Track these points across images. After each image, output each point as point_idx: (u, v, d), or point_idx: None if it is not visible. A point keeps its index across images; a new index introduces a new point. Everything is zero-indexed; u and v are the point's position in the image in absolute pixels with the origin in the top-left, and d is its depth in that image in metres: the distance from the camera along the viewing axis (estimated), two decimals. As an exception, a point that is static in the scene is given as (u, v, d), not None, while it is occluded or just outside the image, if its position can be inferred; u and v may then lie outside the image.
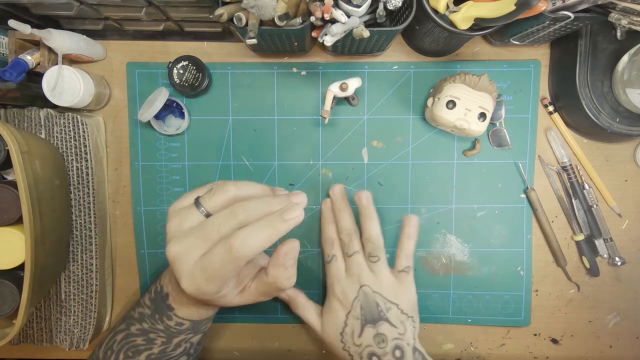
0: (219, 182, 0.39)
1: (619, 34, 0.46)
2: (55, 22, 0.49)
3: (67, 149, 0.48)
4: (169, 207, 0.39)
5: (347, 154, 0.52)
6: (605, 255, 0.52)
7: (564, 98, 0.50)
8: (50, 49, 0.47)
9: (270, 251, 0.40)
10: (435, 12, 0.40)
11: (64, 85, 0.47)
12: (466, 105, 0.45)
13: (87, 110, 0.52)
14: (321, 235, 0.49)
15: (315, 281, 0.53)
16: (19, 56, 0.46)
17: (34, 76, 0.48)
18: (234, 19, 0.37)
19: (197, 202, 0.37)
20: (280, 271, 0.38)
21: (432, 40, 0.46)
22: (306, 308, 0.48)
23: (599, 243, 0.52)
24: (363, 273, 0.45)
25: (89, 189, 0.49)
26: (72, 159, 0.49)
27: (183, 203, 0.39)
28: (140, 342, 0.43)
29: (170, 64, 0.49)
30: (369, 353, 0.43)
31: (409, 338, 0.44)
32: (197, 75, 0.49)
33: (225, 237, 0.34)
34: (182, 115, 0.51)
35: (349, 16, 0.38)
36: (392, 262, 0.48)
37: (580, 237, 0.52)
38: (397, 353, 0.42)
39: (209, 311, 0.45)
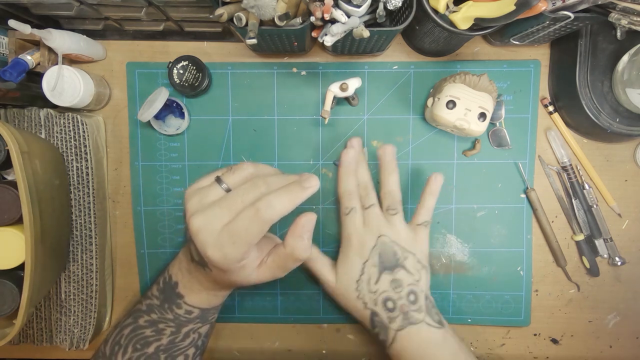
0: (236, 164, 0.41)
1: (619, 34, 0.46)
2: (55, 22, 0.49)
3: (67, 149, 0.48)
4: (185, 190, 0.40)
5: (347, 154, 0.52)
6: (605, 255, 0.52)
7: (564, 98, 0.50)
8: (50, 49, 0.47)
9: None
10: (435, 12, 0.40)
11: (64, 85, 0.47)
12: (466, 105, 0.45)
13: (87, 110, 0.52)
14: (339, 187, 0.49)
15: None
16: (19, 56, 0.46)
17: (34, 76, 0.48)
18: (234, 19, 0.37)
19: (218, 180, 0.40)
20: (298, 241, 0.39)
21: (432, 40, 0.46)
22: (319, 260, 0.48)
23: (599, 243, 0.52)
24: (381, 224, 0.46)
25: (89, 189, 0.49)
26: (72, 159, 0.49)
27: (202, 183, 0.41)
28: (149, 333, 0.44)
29: (170, 64, 0.49)
30: (384, 298, 0.44)
31: (422, 285, 0.46)
32: (197, 75, 0.49)
33: (249, 205, 0.36)
34: (182, 115, 0.51)
35: (349, 16, 0.38)
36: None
37: (580, 237, 0.52)
38: (412, 297, 0.44)
39: (217, 298, 0.46)
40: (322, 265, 0.48)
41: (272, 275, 0.42)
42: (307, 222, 0.40)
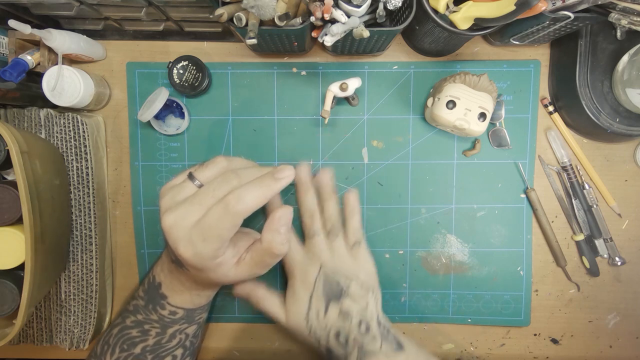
0: (209, 159, 0.41)
1: (619, 34, 0.46)
2: (55, 22, 0.49)
3: (67, 149, 0.49)
4: (160, 189, 0.40)
5: (347, 154, 0.52)
6: (605, 255, 0.52)
7: (564, 98, 0.50)
8: (50, 49, 0.47)
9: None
10: (435, 12, 0.40)
11: (64, 85, 0.47)
12: (466, 105, 0.45)
13: (87, 110, 0.52)
14: None
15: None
16: (19, 56, 0.46)
17: (34, 76, 0.48)
18: (234, 19, 0.37)
19: (190, 176, 0.39)
20: (274, 235, 0.39)
21: (432, 40, 0.46)
22: (267, 299, 0.47)
23: (599, 243, 0.52)
24: (322, 252, 0.45)
25: (89, 189, 0.49)
26: (72, 159, 0.49)
27: (175, 181, 0.40)
28: (135, 334, 0.43)
29: (170, 64, 0.49)
30: (335, 332, 0.43)
31: (372, 311, 0.44)
32: (197, 75, 0.49)
33: (219, 200, 0.36)
34: (182, 115, 0.51)
35: (349, 16, 0.38)
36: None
37: (580, 237, 0.52)
38: (363, 327, 0.43)
39: (201, 298, 0.45)
40: (270, 304, 0.46)
41: (251, 273, 0.41)
42: (284, 215, 0.39)
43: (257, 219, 0.52)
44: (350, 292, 0.44)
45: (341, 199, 0.50)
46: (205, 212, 0.36)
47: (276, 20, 0.36)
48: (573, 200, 0.52)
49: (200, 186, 0.38)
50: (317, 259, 0.45)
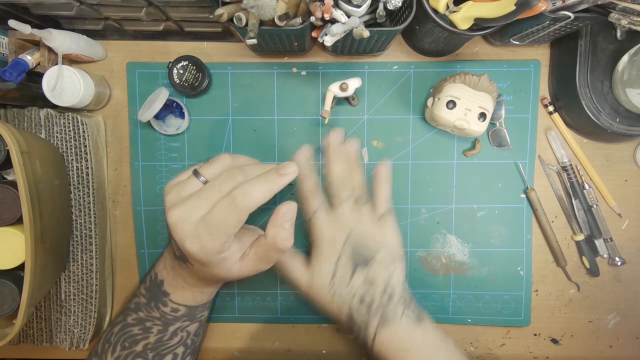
0: (214, 156, 0.41)
1: (619, 34, 0.46)
2: (55, 22, 0.49)
3: (67, 149, 0.49)
4: (164, 186, 0.40)
5: (347, 154, 0.52)
6: (605, 255, 0.52)
7: (564, 98, 0.50)
8: (50, 49, 0.47)
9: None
10: (435, 12, 0.40)
11: (64, 85, 0.47)
12: (466, 105, 0.45)
13: (87, 110, 0.52)
14: (300, 191, 0.47)
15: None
16: (19, 56, 0.46)
17: (34, 76, 0.48)
18: (234, 19, 0.37)
19: (195, 172, 0.39)
20: (278, 231, 0.39)
21: (432, 40, 0.46)
22: (290, 262, 0.46)
23: (599, 243, 0.52)
24: (351, 219, 0.45)
25: (89, 189, 0.49)
26: (72, 159, 0.49)
27: (180, 178, 0.40)
28: (136, 331, 0.44)
29: (170, 64, 0.49)
30: (360, 298, 0.43)
31: (396, 280, 0.44)
32: (197, 75, 0.49)
33: (225, 195, 0.36)
34: (182, 115, 0.51)
35: (349, 16, 0.38)
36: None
37: (580, 237, 0.52)
38: (386, 295, 0.43)
39: (204, 295, 0.46)
40: (294, 267, 0.46)
41: (255, 268, 0.41)
42: (288, 210, 0.39)
43: (257, 219, 0.52)
44: (378, 259, 0.44)
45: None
46: (212, 207, 0.36)
47: (276, 20, 0.36)
48: (573, 200, 0.52)
49: (206, 182, 0.39)
50: (346, 226, 0.45)
